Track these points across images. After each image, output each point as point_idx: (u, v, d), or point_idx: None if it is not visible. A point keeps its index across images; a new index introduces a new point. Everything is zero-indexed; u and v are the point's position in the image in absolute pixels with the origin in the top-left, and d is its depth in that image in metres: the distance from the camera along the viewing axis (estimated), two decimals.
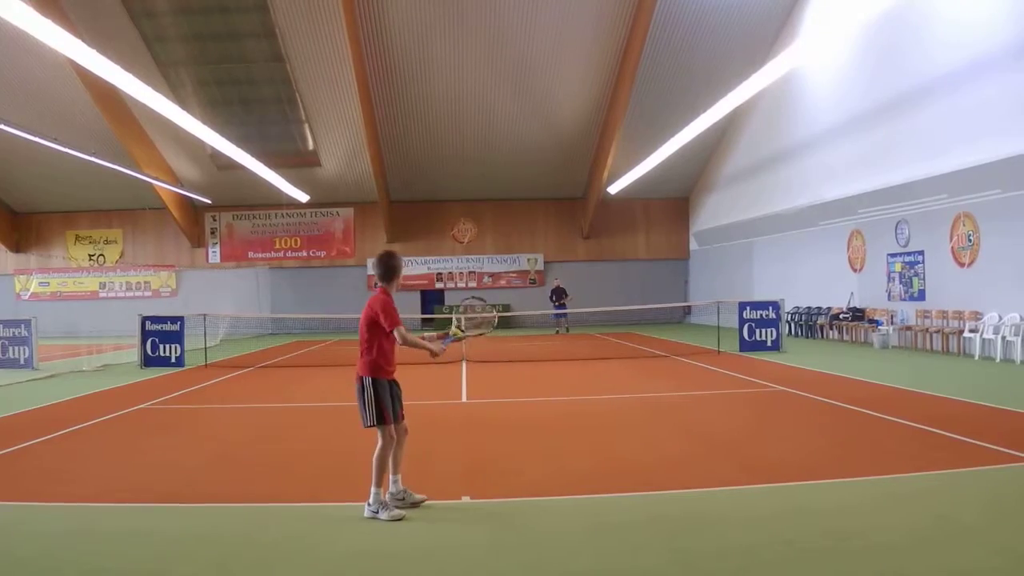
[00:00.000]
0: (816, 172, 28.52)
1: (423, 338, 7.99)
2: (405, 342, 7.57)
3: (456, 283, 42.66)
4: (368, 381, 7.51)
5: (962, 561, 5.90)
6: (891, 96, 23.86)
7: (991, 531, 6.60)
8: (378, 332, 7.56)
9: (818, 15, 27.45)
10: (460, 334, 8.19)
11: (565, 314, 35.97)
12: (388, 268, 7.80)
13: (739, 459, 9.50)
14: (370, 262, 41.94)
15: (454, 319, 8.12)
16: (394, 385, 7.65)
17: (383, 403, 7.49)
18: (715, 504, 7.64)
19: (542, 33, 30.25)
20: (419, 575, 6.09)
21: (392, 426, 7.56)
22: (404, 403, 7.77)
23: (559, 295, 36.64)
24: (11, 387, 18.34)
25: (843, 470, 8.78)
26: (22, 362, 22.35)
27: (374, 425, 7.51)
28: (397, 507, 7.43)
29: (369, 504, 7.31)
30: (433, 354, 7.94)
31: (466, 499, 7.91)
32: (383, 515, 7.23)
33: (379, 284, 7.83)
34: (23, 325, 22.83)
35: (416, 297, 41.76)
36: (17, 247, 43.18)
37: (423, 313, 39.77)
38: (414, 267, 42.06)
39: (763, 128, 33.20)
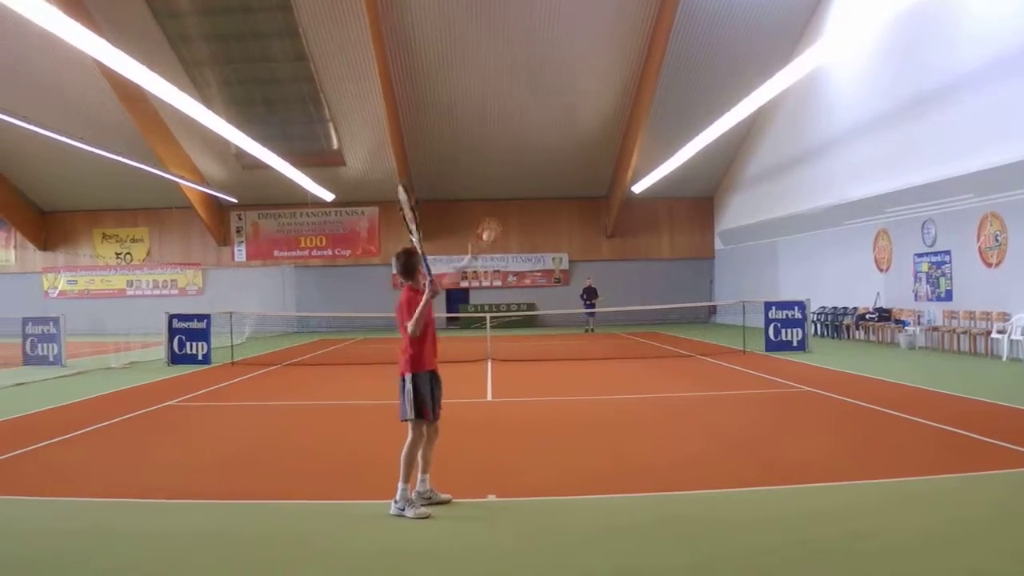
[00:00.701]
0: (841, 171, 28.33)
1: (421, 304, 7.55)
2: (415, 331, 7.48)
3: (481, 282, 42.66)
4: (409, 379, 7.53)
5: (978, 563, 5.87)
6: (917, 93, 23.66)
7: (1007, 533, 6.56)
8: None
9: (843, 11, 27.25)
10: (470, 257, 7.99)
11: (593, 313, 35.93)
12: (406, 266, 7.78)
13: (760, 460, 9.48)
14: (395, 261, 41.96)
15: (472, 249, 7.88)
16: (435, 378, 7.66)
17: (423, 398, 7.49)
18: (735, 505, 7.62)
19: (565, 31, 30.18)
20: (443, 573, 6.10)
21: (426, 424, 7.59)
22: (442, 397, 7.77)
23: (590, 294, 36.60)
24: (40, 384, 18.50)
25: (863, 471, 8.73)
26: (51, 359, 22.57)
27: (411, 419, 7.50)
28: (422, 504, 7.44)
29: (396, 501, 7.32)
30: (435, 295, 7.60)
31: (492, 497, 7.92)
32: (409, 512, 7.24)
33: (403, 283, 7.82)
34: (51, 322, 23.04)
35: (440, 296, 41.55)
36: (45, 245, 43.54)
37: (448, 312, 39.83)
38: (439, 267, 41.96)
39: (788, 126, 33.03)
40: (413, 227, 7.81)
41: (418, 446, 7.54)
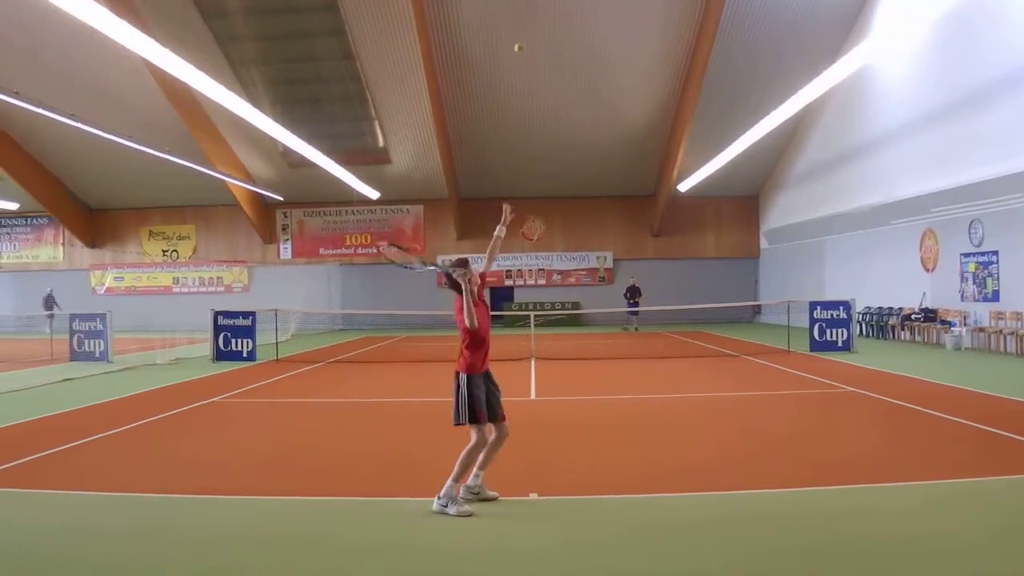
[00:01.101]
0: (888, 170, 27.97)
1: (469, 282, 7.71)
2: (471, 323, 7.51)
3: (525, 280, 42.61)
4: (463, 378, 7.50)
5: None
6: (966, 89, 23.24)
7: None
8: (465, 329, 7.54)
9: (891, 7, 26.87)
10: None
11: (636, 312, 35.76)
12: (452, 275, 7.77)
13: (806, 459, 9.37)
14: (440, 259, 42.16)
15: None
16: (489, 380, 7.62)
17: (477, 401, 7.43)
18: (780, 504, 7.52)
19: (610, 31, 30.04)
20: (482, 572, 6.06)
21: (486, 426, 7.52)
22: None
23: (633, 293, 36.43)
24: (87, 379, 18.70)
25: (910, 472, 8.62)
26: (97, 355, 22.78)
27: (465, 424, 7.47)
28: (467, 500, 7.39)
29: (439, 497, 7.27)
30: (464, 285, 7.64)
31: (533, 496, 7.86)
32: (452, 510, 7.17)
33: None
34: (99, 319, 23.26)
35: (485, 295, 41.49)
36: (93, 243, 44.09)
37: (492, 310, 39.72)
38: (483, 264, 42.08)
39: (834, 125, 32.67)
40: (413, 260, 7.99)
41: (480, 450, 7.48)
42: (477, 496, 7.52)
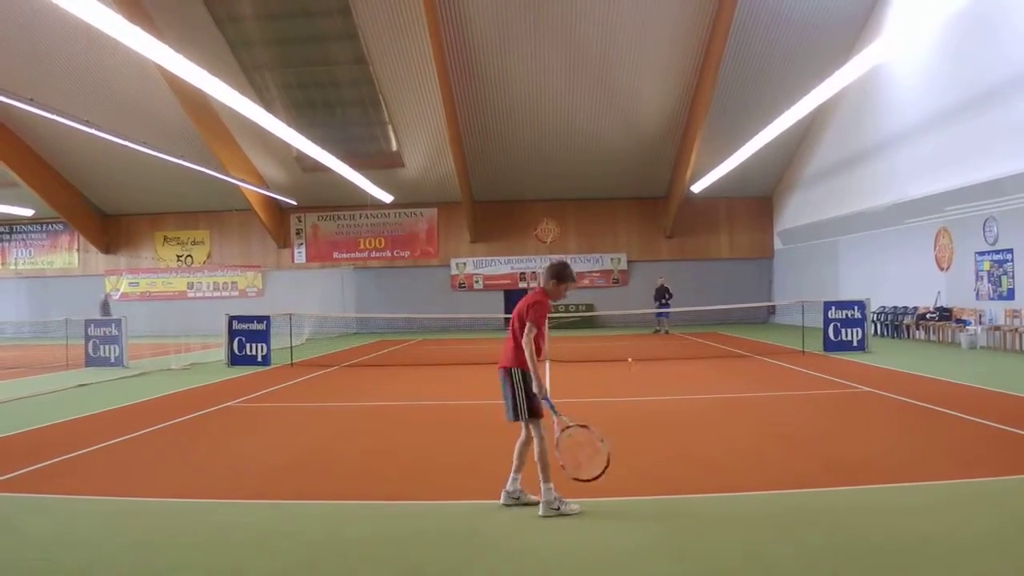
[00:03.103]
0: (902, 169, 27.89)
1: (539, 376, 7.41)
2: (527, 348, 7.33)
3: (539, 283, 42.40)
4: (518, 373, 7.44)
5: None
6: (979, 87, 23.16)
7: None
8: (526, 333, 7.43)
9: (903, 5, 26.78)
10: (562, 420, 7.64)
11: (667, 314, 35.61)
12: (559, 275, 7.86)
13: (821, 460, 9.32)
14: (454, 262, 42.21)
15: (568, 421, 7.41)
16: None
17: (534, 397, 7.38)
18: (798, 504, 7.48)
19: (623, 32, 30.01)
20: (497, 574, 6.07)
21: (541, 420, 7.44)
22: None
23: (662, 294, 36.26)
24: (102, 385, 18.74)
25: (927, 471, 8.61)
26: (112, 360, 22.86)
27: (522, 419, 7.43)
28: (508, 504, 7.39)
29: (547, 503, 7.21)
30: (537, 387, 7.36)
31: None
32: (564, 508, 7.18)
33: (541, 284, 7.89)
34: (113, 324, 23.36)
35: (499, 297, 41.71)
36: (107, 248, 44.27)
37: (506, 313, 39.78)
38: (497, 267, 42.18)
39: (847, 125, 32.58)
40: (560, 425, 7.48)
41: (544, 441, 7.38)
42: (518, 501, 7.46)
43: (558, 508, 7.16)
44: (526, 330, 7.35)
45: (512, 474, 7.51)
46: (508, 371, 7.49)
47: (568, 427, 7.40)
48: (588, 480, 7.25)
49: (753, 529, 6.75)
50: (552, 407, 7.35)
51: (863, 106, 30.76)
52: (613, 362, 22.76)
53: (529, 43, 30.65)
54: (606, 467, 7.23)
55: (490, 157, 37.87)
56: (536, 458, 7.32)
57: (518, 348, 7.45)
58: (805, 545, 6.30)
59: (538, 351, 7.40)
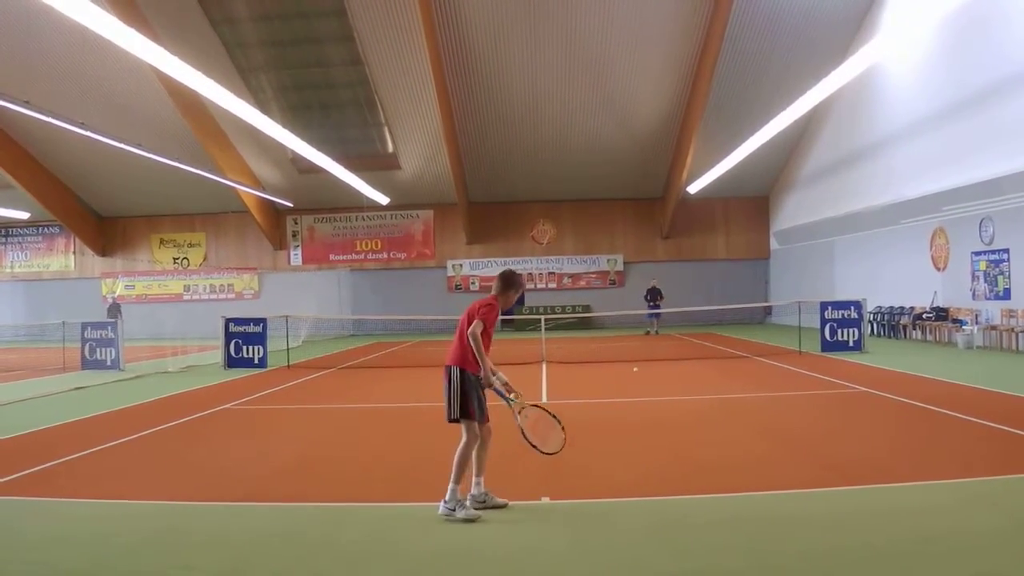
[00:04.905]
0: (898, 169, 27.89)
1: (489, 366, 7.46)
2: (472, 339, 7.33)
3: (536, 284, 42.50)
4: (456, 372, 7.43)
5: None
6: (975, 87, 23.19)
7: None
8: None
9: (899, 5, 26.78)
10: (512, 402, 7.69)
11: (658, 315, 35.66)
12: (506, 283, 7.80)
13: (819, 460, 9.34)
14: (450, 264, 42.19)
15: (521, 400, 7.45)
16: (480, 382, 7.49)
17: (468, 397, 7.37)
18: (797, 506, 7.49)
19: (618, 33, 30.02)
20: (493, 575, 6.05)
21: (477, 424, 7.43)
22: (489, 404, 7.61)
23: (654, 295, 36.29)
24: (98, 388, 18.71)
25: (926, 472, 8.62)
26: (109, 363, 22.80)
27: (457, 420, 7.41)
28: (476, 509, 7.33)
29: (445, 502, 7.22)
30: (481, 380, 7.45)
31: (545, 499, 7.84)
32: (460, 513, 7.14)
33: (493, 292, 7.81)
34: (110, 327, 23.30)
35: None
36: (103, 251, 44.19)
37: (503, 315, 39.74)
38: (493, 268, 42.12)
39: (843, 125, 32.60)
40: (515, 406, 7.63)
41: (472, 447, 7.41)
42: (484, 505, 7.44)
43: (453, 510, 7.17)
44: (473, 324, 7.37)
45: (474, 478, 7.50)
46: (448, 369, 7.52)
47: (523, 408, 7.56)
48: (552, 453, 7.52)
49: (752, 529, 6.75)
50: (502, 394, 7.41)
51: (859, 106, 30.78)
52: (611, 363, 22.77)
53: (525, 44, 30.66)
54: (564, 440, 7.60)
55: (486, 158, 37.88)
56: (455, 456, 7.38)
57: (461, 347, 7.49)
58: (804, 545, 6.32)
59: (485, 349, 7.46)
